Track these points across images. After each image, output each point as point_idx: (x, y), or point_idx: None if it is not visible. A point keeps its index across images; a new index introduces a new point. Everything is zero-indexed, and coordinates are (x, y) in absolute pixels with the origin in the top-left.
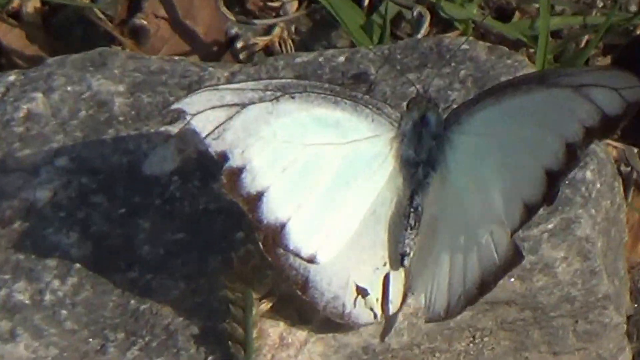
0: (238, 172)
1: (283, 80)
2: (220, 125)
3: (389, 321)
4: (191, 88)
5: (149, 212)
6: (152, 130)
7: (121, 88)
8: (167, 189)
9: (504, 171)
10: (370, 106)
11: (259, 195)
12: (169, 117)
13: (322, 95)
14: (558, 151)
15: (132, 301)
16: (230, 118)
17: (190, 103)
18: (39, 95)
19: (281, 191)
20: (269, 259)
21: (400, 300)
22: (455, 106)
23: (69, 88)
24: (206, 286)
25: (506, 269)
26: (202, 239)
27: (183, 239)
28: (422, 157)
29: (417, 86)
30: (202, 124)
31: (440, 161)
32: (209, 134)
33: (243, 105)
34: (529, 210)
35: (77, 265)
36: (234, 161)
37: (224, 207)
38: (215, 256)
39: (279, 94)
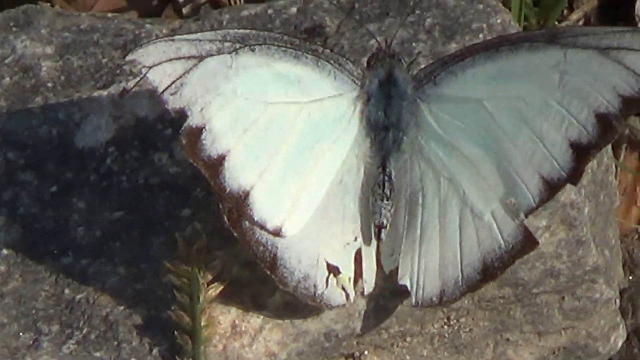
0: (198, 132)
1: (242, 31)
2: (178, 79)
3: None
4: (126, 48)
5: (83, 190)
6: (84, 97)
7: (49, 50)
8: (103, 162)
9: (508, 142)
10: (332, 61)
11: (221, 160)
12: (102, 81)
13: (283, 49)
14: (586, 122)
15: (67, 290)
16: (187, 72)
17: (146, 54)
18: None
19: (243, 155)
20: (235, 234)
21: (374, 279)
22: (420, 60)
23: None
24: (149, 271)
25: (515, 254)
26: (144, 218)
27: (122, 218)
28: (392, 119)
29: (379, 39)
30: (159, 78)
31: (414, 125)
32: (165, 89)
33: (200, 58)
34: (551, 188)
35: (4, 251)
36: (193, 120)
37: (167, 181)
38: (158, 237)
39: (238, 45)
